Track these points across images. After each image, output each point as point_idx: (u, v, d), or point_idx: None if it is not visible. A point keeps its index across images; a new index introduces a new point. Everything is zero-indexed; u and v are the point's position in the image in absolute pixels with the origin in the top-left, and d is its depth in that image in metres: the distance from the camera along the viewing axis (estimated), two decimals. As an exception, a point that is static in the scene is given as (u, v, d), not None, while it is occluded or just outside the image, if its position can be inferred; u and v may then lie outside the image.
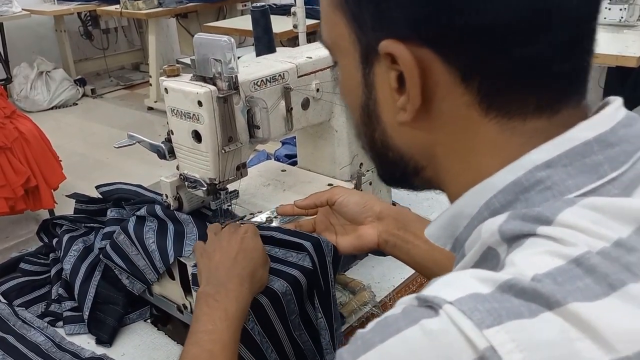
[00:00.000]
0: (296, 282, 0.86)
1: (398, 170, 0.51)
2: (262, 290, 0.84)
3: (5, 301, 1.08)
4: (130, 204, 1.09)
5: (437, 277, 0.40)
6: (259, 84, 0.97)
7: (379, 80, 0.47)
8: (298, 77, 1.04)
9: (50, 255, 1.16)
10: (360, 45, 0.47)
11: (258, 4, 3.34)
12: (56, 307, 1.05)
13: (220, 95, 0.89)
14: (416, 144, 0.48)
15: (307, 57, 1.06)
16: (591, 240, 0.37)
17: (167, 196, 1.00)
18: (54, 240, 1.15)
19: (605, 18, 2.76)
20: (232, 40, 0.87)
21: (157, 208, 1.00)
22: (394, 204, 1.21)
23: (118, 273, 1.01)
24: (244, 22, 3.82)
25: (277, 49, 2.77)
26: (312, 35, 3.29)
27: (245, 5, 4.82)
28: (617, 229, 0.38)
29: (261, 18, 2.63)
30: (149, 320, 1.04)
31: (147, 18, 4.67)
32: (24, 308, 1.06)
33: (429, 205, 1.33)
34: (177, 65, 0.98)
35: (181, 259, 0.92)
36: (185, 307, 0.95)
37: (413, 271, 0.98)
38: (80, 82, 5.27)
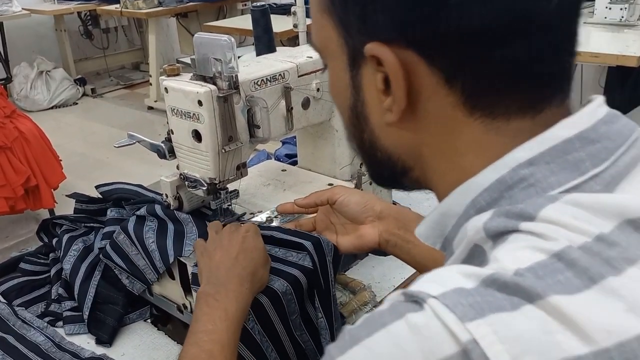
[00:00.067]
0: (296, 281, 0.86)
1: (387, 170, 0.52)
2: (262, 289, 0.84)
3: (5, 301, 1.08)
4: (130, 204, 1.09)
5: None
6: (259, 83, 0.97)
7: (366, 82, 0.48)
8: (298, 76, 1.03)
9: (50, 255, 1.16)
10: (347, 48, 0.48)
11: (258, 4, 3.34)
12: (56, 307, 1.05)
13: (221, 95, 0.89)
14: (403, 144, 0.49)
15: (308, 57, 1.06)
16: (573, 235, 0.38)
17: (167, 196, 1.00)
18: (54, 240, 1.14)
19: (605, 17, 2.76)
20: (232, 39, 0.87)
21: (157, 208, 1.00)
22: (394, 203, 1.21)
23: (118, 273, 1.01)
24: (244, 22, 3.81)
25: (278, 48, 2.76)
26: (312, 35, 3.28)
27: (245, 5, 4.82)
28: (599, 224, 0.38)
29: (261, 17, 2.63)
30: (149, 320, 1.04)
31: (147, 17, 4.66)
32: (23, 308, 1.06)
33: (429, 205, 1.32)
34: (177, 64, 0.98)
35: (181, 259, 0.92)
36: (185, 307, 0.95)
37: (413, 271, 0.98)
38: (80, 82, 5.27)
